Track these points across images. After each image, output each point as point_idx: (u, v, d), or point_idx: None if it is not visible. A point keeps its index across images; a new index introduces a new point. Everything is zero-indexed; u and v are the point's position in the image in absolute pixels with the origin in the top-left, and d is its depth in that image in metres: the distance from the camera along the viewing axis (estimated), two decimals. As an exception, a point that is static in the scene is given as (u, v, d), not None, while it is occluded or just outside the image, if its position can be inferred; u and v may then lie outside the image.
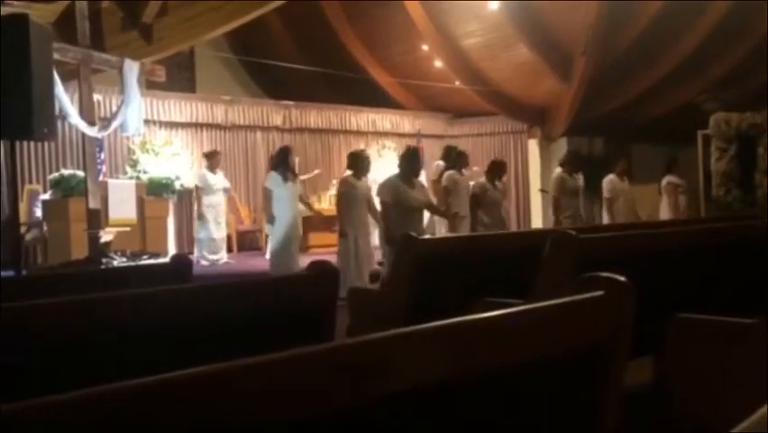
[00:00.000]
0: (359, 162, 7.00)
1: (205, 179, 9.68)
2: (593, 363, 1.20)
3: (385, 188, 6.22)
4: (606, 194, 8.39)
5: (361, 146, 12.67)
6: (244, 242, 12.00)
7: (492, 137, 14.30)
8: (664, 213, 9.49)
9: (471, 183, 7.72)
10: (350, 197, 6.86)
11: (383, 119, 14.03)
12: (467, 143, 14.01)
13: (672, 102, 12.05)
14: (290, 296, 1.86)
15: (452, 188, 7.80)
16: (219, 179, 9.84)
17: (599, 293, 1.20)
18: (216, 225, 9.77)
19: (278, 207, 7.23)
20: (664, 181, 9.51)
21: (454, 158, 8.23)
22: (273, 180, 7.21)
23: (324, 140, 13.27)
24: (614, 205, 8.32)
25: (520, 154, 14.06)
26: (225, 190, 9.99)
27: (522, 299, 2.58)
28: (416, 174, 6.36)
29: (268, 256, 10.04)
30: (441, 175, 8.07)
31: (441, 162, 8.71)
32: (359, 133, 13.72)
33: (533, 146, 13.82)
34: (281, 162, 7.37)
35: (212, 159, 9.87)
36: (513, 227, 13.78)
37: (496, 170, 7.50)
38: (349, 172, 7.18)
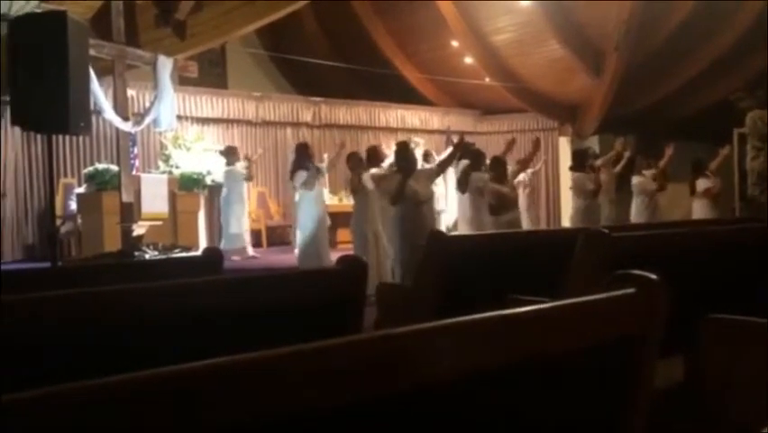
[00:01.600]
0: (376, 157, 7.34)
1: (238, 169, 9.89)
2: (624, 360, 1.19)
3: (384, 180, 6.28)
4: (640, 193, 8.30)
5: (391, 143, 12.68)
6: (274, 237, 12.09)
7: (522, 134, 14.19)
8: (701, 215, 9.30)
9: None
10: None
11: (412, 115, 14.01)
12: (497, 141, 13.90)
13: (706, 99, 11.84)
14: (320, 289, 1.87)
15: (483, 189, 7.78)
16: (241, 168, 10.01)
17: (631, 290, 1.19)
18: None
19: (306, 203, 7.35)
20: (701, 187, 9.16)
21: (472, 156, 8.15)
22: (299, 178, 7.37)
23: (353, 136, 13.29)
24: (646, 205, 8.23)
25: (551, 152, 13.94)
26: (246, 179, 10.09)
27: (552, 297, 2.55)
28: (413, 167, 6.40)
29: (296, 252, 10.15)
30: (466, 174, 8.00)
31: (465, 161, 8.68)
32: (388, 130, 13.72)
33: (564, 144, 13.69)
34: (305, 160, 7.52)
35: (231, 155, 9.92)
36: (543, 226, 13.68)
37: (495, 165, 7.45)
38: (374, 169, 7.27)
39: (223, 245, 9.73)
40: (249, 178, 10.00)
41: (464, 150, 7.11)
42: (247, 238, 9.98)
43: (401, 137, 13.60)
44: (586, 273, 2.59)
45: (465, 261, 3.41)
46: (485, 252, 3.53)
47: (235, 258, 9.53)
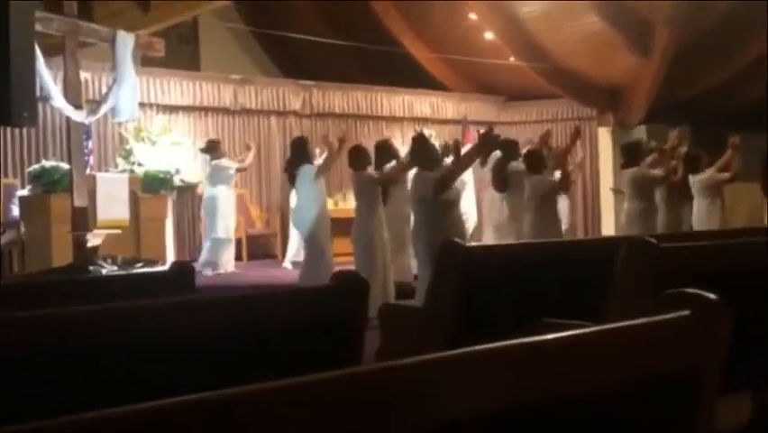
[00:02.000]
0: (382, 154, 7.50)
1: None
2: (677, 396, 1.18)
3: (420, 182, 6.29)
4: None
5: (396, 134, 12.70)
6: (255, 248, 12.12)
7: (554, 125, 14.19)
8: None
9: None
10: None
11: (422, 102, 14.03)
12: (523, 132, 13.90)
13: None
14: (311, 311, 1.87)
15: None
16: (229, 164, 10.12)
17: (685, 313, 1.18)
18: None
19: (309, 206, 7.41)
20: None
21: (503, 147, 8.19)
22: (309, 172, 7.48)
23: (351, 127, 13.30)
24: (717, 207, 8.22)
25: (588, 145, 13.94)
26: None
27: (589, 320, 2.55)
28: (436, 160, 6.49)
29: (287, 264, 10.16)
30: (503, 167, 8.03)
31: (496, 153, 8.69)
32: (392, 120, 13.73)
33: (604, 136, 13.69)
34: (304, 154, 7.60)
35: (215, 150, 9.99)
36: (580, 234, 13.67)
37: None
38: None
39: (205, 257, 9.74)
40: (241, 171, 10.27)
41: (490, 142, 7.18)
42: (232, 248, 10.04)
43: (408, 128, 13.66)
44: (630, 292, 2.59)
45: (486, 277, 3.41)
46: (510, 265, 3.53)
47: (207, 273, 9.53)
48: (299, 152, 7.74)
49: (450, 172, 6.37)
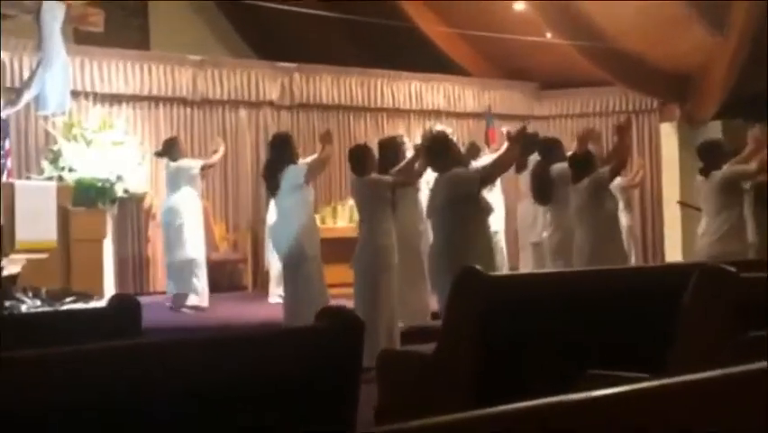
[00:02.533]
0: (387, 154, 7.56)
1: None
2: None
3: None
4: None
5: (400, 131, 12.68)
6: (220, 277, 12.09)
7: (602, 119, 14.20)
8: None
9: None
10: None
11: (434, 91, 14.03)
12: (563, 128, 13.88)
13: None
14: (289, 360, 1.87)
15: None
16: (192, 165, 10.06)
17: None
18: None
19: (294, 220, 7.44)
20: None
21: (542, 147, 8.23)
22: (295, 176, 7.53)
23: (342, 121, 13.27)
24: None
25: (647, 146, 13.92)
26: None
27: (647, 370, 2.56)
28: (461, 163, 6.58)
29: (274, 299, 10.06)
30: (543, 173, 8.08)
31: (534, 157, 8.71)
32: (396, 112, 13.71)
33: (667, 134, 13.70)
34: (288, 153, 7.63)
35: (173, 150, 9.97)
36: (637, 258, 13.61)
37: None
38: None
39: (174, 287, 9.64)
40: (207, 168, 10.19)
41: (525, 142, 7.23)
42: (201, 267, 9.82)
43: (415, 124, 13.66)
44: (701, 334, 2.60)
45: (515, 314, 3.41)
46: (546, 300, 3.54)
47: (189, 304, 9.47)
48: (282, 151, 7.75)
49: (493, 168, 6.53)
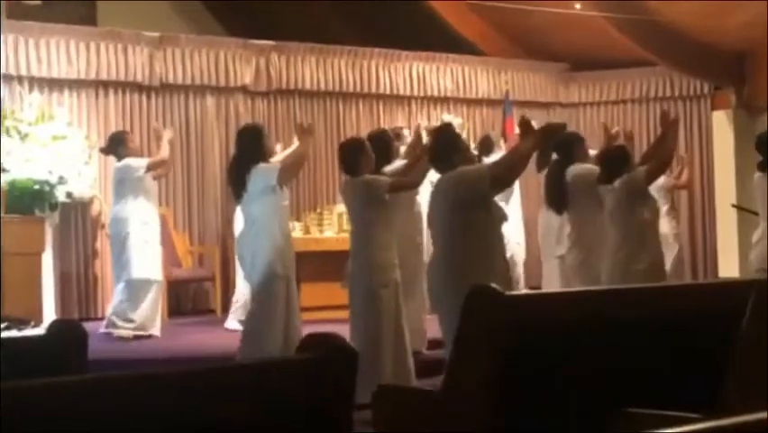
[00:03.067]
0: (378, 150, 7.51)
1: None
2: None
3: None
4: None
5: (399, 122, 12.68)
6: (183, 299, 12.07)
7: (642, 107, 14.21)
8: None
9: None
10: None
11: (441, 73, 14.03)
12: (597, 118, 13.89)
13: None
14: (267, 398, 1.89)
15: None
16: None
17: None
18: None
19: (263, 229, 7.41)
20: None
21: (559, 145, 8.25)
22: (265, 177, 7.49)
23: (330, 111, 13.28)
24: None
25: (697, 138, 13.95)
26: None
27: (696, 407, 2.59)
28: (469, 159, 6.59)
29: (230, 324, 10.02)
30: (557, 174, 8.09)
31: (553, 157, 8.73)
32: (394, 99, 13.70)
33: (721, 123, 13.73)
34: (258, 149, 7.57)
35: (120, 145, 9.90)
36: (683, 273, 13.59)
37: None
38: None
39: (116, 309, 9.61)
40: (154, 166, 9.94)
41: (554, 129, 7.21)
42: (156, 290, 9.80)
43: (418, 112, 13.67)
44: (759, 365, 2.63)
45: (538, 341, 3.43)
46: (574, 324, 3.56)
47: (122, 333, 9.44)
48: (250, 147, 7.71)
49: (503, 165, 6.51)
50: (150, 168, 9.74)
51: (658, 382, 3.10)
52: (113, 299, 9.80)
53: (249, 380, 1.98)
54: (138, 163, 9.74)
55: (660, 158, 7.65)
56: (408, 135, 9.66)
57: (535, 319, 3.53)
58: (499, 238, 6.44)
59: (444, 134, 6.80)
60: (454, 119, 13.37)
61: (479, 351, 3.48)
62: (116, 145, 9.87)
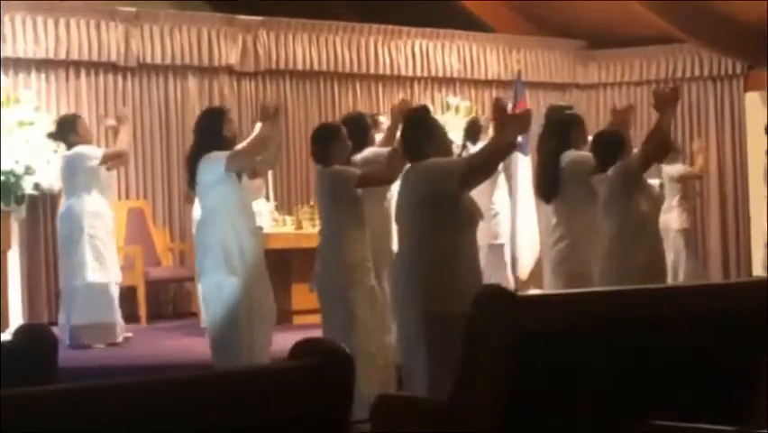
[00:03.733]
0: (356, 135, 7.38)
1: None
2: None
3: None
4: None
5: (400, 97, 12.72)
6: (162, 301, 12.09)
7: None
8: None
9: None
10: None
11: (446, 51, 14.04)
12: (617, 100, 13.85)
13: None
14: (255, 410, 1.91)
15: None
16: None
17: None
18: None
19: (214, 224, 7.33)
20: None
21: (563, 127, 8.24)
22: (214, 166, 7.37)
23: (324, 92, 13.28)
24: None
25: (729, 122, 13.96)
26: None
27: (726, 420, 2.62)
28: (444, 149, 6.45)
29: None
30: (550, 159, 8.09)
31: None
32: (396, 79, 13.73)
33: (755, 106, 13.76)
34: (215, 134, 7.46)
35: (69, 131, 9.80)
36: (715, 273, 13.58)
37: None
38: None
39: (64, 317, 9.59)
40: (109, 159, 9.80)
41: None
42: (116, 295, 9.76)
43: (422, 94, 13.68)
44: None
45: (553, 346, 3.45)
46: (592, 328, 3.58)
47: (85, 341, 9.45)
48: (207, 133, 7.62)
49: (471, 164, 6.30)
50: (104, 160, 9.64)
51: (681, 390, 3.13)
52: (65, 305, 9.64)
53: (234, 389, 1.98)
54: (92, 152, 9.65)
55: (655, 141, 7.43)
56: (386, 122, 9.53)
57: (551, 323, 3.55)
58: (468, 242, 6.29)
59: (417, 118, 6.55)
60: (461, 102, 13.45)
61: (489, 358, 3.49)
62: (66, 131, 9.71)
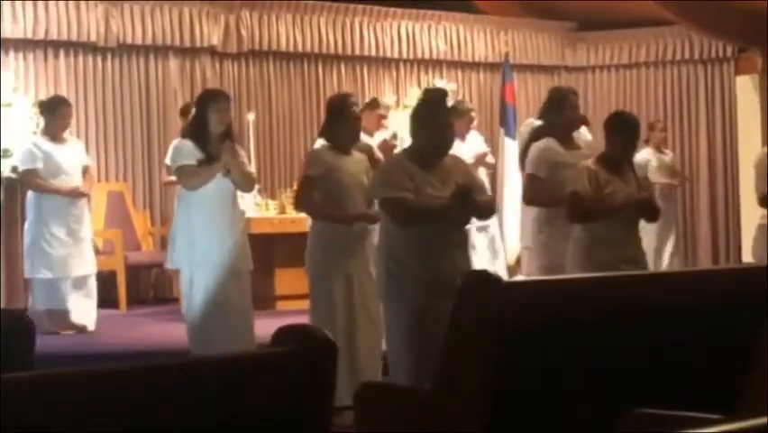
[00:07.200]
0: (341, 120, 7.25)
1: (45, 156, 9.59)
2: None
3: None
4: None
5: (386, 86, 12.68)
6: (143, 286, 12.07)
7: (659, 71, 14.23)
8: None
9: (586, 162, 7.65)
10: (329, 185, 7.06)
11: (433, 33, 14.01)
12: (607, 83, 13.91)
13: None
14: (235, 397, 1.90)
15: (541, 174, 7.76)
16: (71, 152, 9.69)
17: None
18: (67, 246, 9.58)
19: (194, 209, 7.34)
20: None
21: (555, 108, 8.21)
22: (184, 153, 7.39)
23: (308, 74, 13.26)
24: None
25: (719, 106, 13.96)
26: (84, 170, 9.84)
27: (717, 407, 2.62)
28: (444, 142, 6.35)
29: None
30: (527, 148, 8.06)
31: (534, 121, 8.68)
32: (382, 61, 13.69)
33: (746, 89, 13.74)
34: (199, 123, 7.46)
35: (54, 115, 9.78)
36: (704, 259, 13.63)
37: None
38: (321, 141, 7.38)
39: (33, 303, 9.56)
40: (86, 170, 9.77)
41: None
42: (92, 283, 9.73)
43: (408, 76, 13.66)
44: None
45: (541, 333, 3.45)
46: (582, 315, 3.57)
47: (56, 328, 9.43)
48: (194, 115, 7.68)
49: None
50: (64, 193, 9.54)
51: (673, 378, 3.13)
52: (35, 294, 9.66)
53: (216, 376, 1.98)
54: (66, 159, 9.58)
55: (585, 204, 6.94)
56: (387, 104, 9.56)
57: (539, 310, 3.55)
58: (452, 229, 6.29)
59: (429, 102, 6.45)
60: (447, 85, 13.41)
61: (475, 346, 3.49)
62: (51, 108, 9.63)
